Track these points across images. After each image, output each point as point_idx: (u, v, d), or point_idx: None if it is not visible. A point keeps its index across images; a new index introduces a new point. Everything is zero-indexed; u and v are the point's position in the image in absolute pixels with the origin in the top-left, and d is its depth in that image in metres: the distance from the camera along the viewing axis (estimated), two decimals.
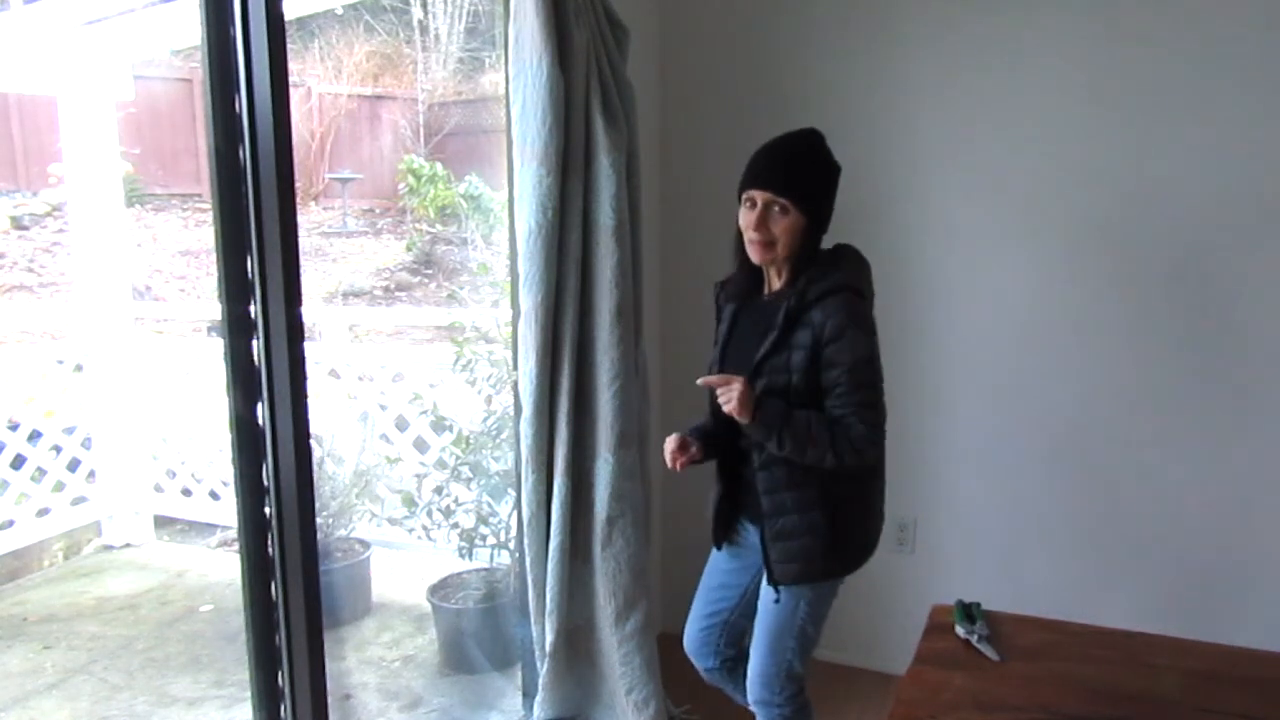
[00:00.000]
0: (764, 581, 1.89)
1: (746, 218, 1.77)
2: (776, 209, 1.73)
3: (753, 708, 1.96)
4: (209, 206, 1.64)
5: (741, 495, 1.92)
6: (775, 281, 1.83)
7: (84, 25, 3.47)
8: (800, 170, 1.76)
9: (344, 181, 6.66)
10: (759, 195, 1.74)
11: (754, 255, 1.79)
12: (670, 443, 1.84)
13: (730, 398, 1.70)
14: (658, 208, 2.87)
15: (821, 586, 1.86)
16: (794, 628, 1.86)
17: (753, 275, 1.88)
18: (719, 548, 2.02)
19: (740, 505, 1.94)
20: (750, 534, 1.93)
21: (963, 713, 1.38)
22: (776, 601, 1.87)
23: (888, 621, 2.76)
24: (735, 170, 1.82)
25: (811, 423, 1.71)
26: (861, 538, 1.89)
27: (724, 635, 2.03)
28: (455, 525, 2.83)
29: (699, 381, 1.77)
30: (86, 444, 3.78)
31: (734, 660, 2.05)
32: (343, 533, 3.35)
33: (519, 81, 2.13)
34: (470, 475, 2.83)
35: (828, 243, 1.85)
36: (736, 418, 1.72)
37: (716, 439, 1.90)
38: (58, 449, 3.68)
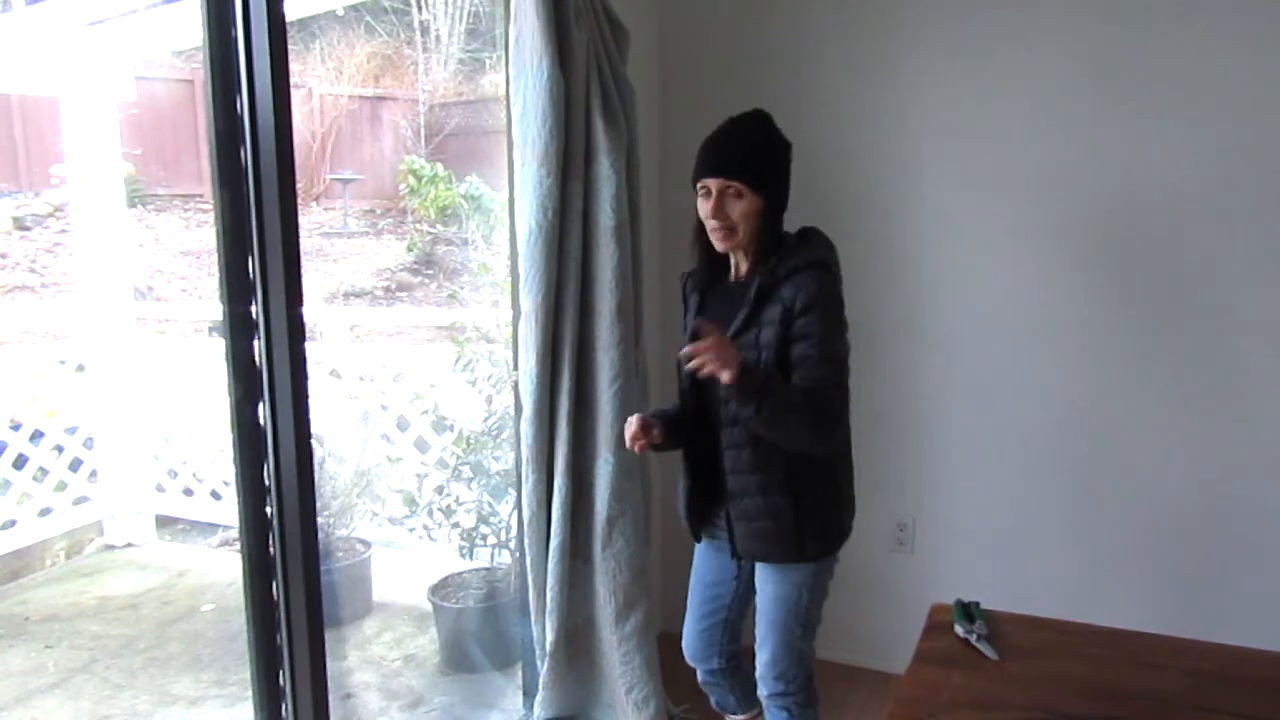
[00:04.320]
0: (756, 570, 1.90)
1: (704, 207, 1.77)
2: (731, 193, 1.74)
3: (765, 702, 1.96)
4: (210, 207, 1.65)
5: (717, 483, 1.89)
6: (743, 265, 1.84)
7: (86, 26, 3.48)
8: (749, 153, 1.77)
9: (345, 182, 6.66)
10: (712, 183, 1.75)
11: (717, 243, 1.79)
12: (632, 423, 1.81)
13: (710, 356, 1.57)
14: (658, 208, 2.87)
15: (817, 568, 1.86)
16: (799, 613, 1.86)
17: (714, 264, 1.88)
18: (698, 540, 2.02)
19: (716, 494, 1.91)
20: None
21: (962, 712, 1.38)
22: (737, 576, 1.92)
23: (887, 621, 2.76)
24: None
25: (794, 391, 1.67)
26: (833, 523, 1.87)
27: (726, 632, 2.03)
28: (456, 525, 2.83)
29: (681, 354, 1.63)
30: (88, 444, 3.78)
31: (737, 657, 2.05)
32: (344, 532, 3.35)
33: (519, 82, 2.13)
34: (471, 475, 2.83)
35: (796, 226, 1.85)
36: (720, 376, 1.58)
37: (684, 426, 1.88)
38: (60, 449, 3.68)
